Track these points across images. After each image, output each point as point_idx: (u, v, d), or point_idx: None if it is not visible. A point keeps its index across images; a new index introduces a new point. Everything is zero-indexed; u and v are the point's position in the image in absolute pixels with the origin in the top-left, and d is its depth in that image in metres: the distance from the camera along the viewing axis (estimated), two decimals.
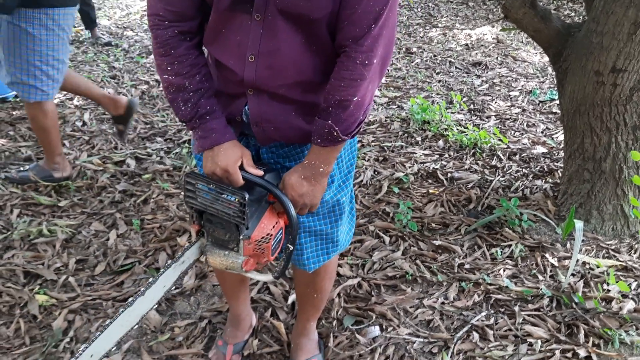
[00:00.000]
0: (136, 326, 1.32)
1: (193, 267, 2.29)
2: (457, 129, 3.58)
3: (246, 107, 1.32)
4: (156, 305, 1.35)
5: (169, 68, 1.27)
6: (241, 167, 1.28)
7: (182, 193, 2.77)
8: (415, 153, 3.30)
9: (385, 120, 3.74)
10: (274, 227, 1.33)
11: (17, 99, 3.65)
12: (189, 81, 1.27)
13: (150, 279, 1.31)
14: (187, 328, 2.02)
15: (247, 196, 1.23)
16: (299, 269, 1.61)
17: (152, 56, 4.85)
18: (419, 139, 3.49)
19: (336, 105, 1.21)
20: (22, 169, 2.82)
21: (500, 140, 3.44)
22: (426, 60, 5.04)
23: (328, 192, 1.45)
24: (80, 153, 3.15)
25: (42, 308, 2.07)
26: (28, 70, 2.53)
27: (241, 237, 1.29)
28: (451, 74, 4.74)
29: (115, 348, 1.30)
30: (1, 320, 2.01)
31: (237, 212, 1.25)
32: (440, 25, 6.19)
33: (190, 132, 1.69)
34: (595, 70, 2.43)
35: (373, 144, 3.42)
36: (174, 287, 1.39)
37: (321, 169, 1.30)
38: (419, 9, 6.86)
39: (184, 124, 1.34)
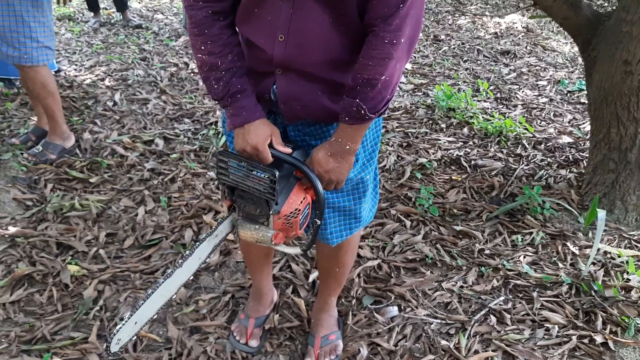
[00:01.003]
0: (174, 296, 1.39)
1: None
2: (483, 117, 3.57)
3: (274, 86, 1.36)
4: (191, 277, 1.41)
5: (202, 47, 1.31)
6: (270, 145, 1.33)
7: (209, 173, 2.84)
8: (440, 140, 3.31)
9: (411, 107, 3.75)
10: (301, 202, 1.37)
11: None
12: (222, 60, 1.31)
13: (187, 252, 1.37)
14: (211, 301, 2.09)
15: (277, 173, 1.27)
16: (322, 243, 1.65)
17: (181, 39, 4.92)
18: (443, 126, 3.50)
19: (364, 84, 1.24)
20: (36, 151, 2.90)
21: (525, 129, 3.43)
22: (454, 48, 5.01)
23: (352, 170, 1.49)
24: (110, 132, 3.24)
25: (73, 278, 2.16)
26: (45, 32, 2.64)
27: (271, 212, 1.34)
28: (479, 62, 4.71)
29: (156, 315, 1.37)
30: (35, 288, 2.11)
31: (267, 188, 1.29)
32: (469, 12, 6.13)
33: (220, 112, 1.73)
34: (624, 59, 2.41)
35: (397, 129, 3.44)
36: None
37: (348, 147, 1.33)
38: None
39: (216, 102, 1.38)
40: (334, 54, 1.29)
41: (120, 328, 1.23)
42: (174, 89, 3.93)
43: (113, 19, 5.48)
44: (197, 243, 1.38)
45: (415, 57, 4.74)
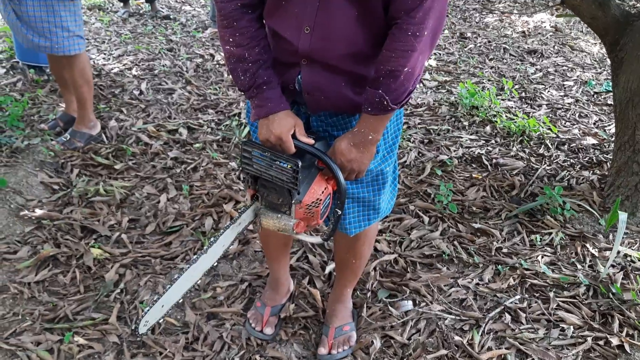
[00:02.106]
0: (199, 281, 1.43)
1: None
2: (506, 116, 3.55)
3: (299, 77, 1.38)
4: (215, 264, 1.45)
5: (230, 39, 1.34)
6: (293, 136, 1.35)
7: (230, 163, 2.88)
8: (462, 137, 3.30)
9: (434, 104, 3.74)
10: (323, 192, 1.40)
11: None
12: (249, 52, 1.34)
13: (212, 239, 1.41)
14: (229, 289, 2.13)
15: (299, 163, 1.30)
16: (340, 233, 1.67)
17: (207, 31, 4.97)
18: (466, 123, 3.48)
19: (387, 76, 1.26)
20: (64, 139, 2.97)
21: (549, 129, 3.40)
22: (480, 46, 4.98)
23: (373, 162, 1.51)
24: (136, 120, 3.30)
25: (96, 261, 2.22)
26: (75, 20, 2.69)
27: (293, 201, 1.37)
28: (505, 60, 4.67)
29: (182, 300, 1.41)
30: (59, 269, 2.17)
31: (290, 178, 1.32)
32: (497, 11, 6.07)
33: (243, 104, 1.75)
34: None
35: (419, 126, 3.43)
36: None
37: (370, 137, 1.35)
38: None
39: (242, 93, 1.41)
40: (358, 47, 1.32)
41: (148, 311, 1.28)
42: (199, 79, 3.98)
43: (142, 9, 5.55)
44: (222, 230, 1.42)
45: (440, 54, 4.72)
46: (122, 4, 5.41)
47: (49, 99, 3.48)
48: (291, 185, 1.34)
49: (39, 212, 2.43)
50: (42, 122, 3.16)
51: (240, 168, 1.41)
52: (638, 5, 5.85)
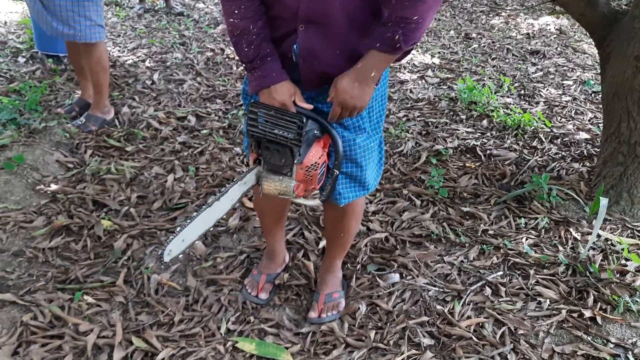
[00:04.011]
0: (211, 228, 1.54)
1: (238, 210, 2.54)
2: (504, 111, 3.67)
3: (295, 46, 1.50)
4: (223, 215, 1.56)
5: (236, 11, 1.46)
6: (293, 102, 1.49)
7: (235, 148, 3.03)
8: (458, 130, 3.43)
9: (434, 99, 3.87)
10: (320, 157, 1.52)
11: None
12: (254, 25, 1.46)
13: (223, 189, 1.52)
14: (228, 259, 2.28)
15: (304, 118, 1.42)
16: (330, 207, 1.81)
17: (219, 27, 5.14)
18: (463, 117, 3.61)
19: (398, 21, 1.37)
20: (79, 123, 3.14)
21: (544, 123, 3.51)
22: (484, 46, 5.10)
23: (359, 137, 1.63)
24: (147, 107, 3.47)
25: (106, 231, 2.37)
26: (97, 11, 2.85)
27: (295, 161, 1.47)
28: (507, 60, 4.79)
29: (199, 241, 1.51)
30: (71, 238, 2.33)
31: (295, 134, 1.43)
32: (504, 13, 6.19)
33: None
34: (635, 55, 2.49)
35: (418, 119, 3.57)
36: (236, 205, 1.59)
37: (373, 74, 1.45)
38: None
39: (245, 65, 1.52)
40: (354, 8, 1.41)
41: (170, 240, 1.41)
42: (209, 72, 4.14)
43: (157, 6, 5.74)
44: (229, 185, 1.53)
45: (444, 52, 4.84)
46: (138, 0, 5.61)
47: (65, 86, 3.66)
48: (295, 141, 1.43)
49: (54, 186, 2.60)
50: (59, 107, 3.33)
51: (246, 131, 1.50)
52: (624, 5, 5.93)
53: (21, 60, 4.00)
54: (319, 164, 1.53)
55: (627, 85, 2.57)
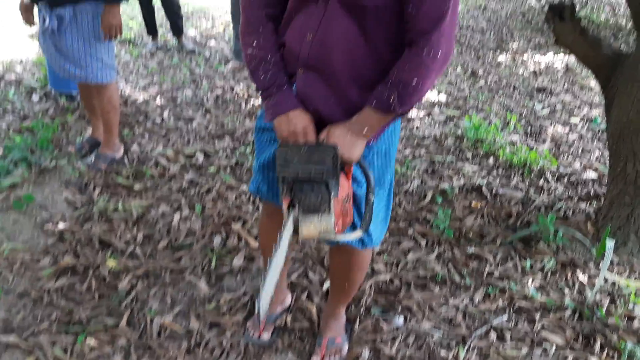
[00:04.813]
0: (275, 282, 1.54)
1: (243, 250, 2.55)
2: (510, 150, 3.68)
3: (294, 87, 1.53)
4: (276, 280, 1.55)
5: (254, 43, 1.51)
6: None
7: (242, 187, 3.05)
8: (464, 168, 3.43)
9: (440, 136, 3.89)
10: (349, 188, 1.51)
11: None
12: (271, 54, 1.51)
13: (274, 251, 1.49)
14: (231, 301, 2.27)
15: (337, 147, 1.40)
16: (336, 255, 1.83)
17: (229, 65, 5.23)
18: (470, 155, 3.62)
19: (397, 83, 1.38)
20: (89, 161, 3.19)
21: (550, 162, 3.51)
22: (490, 84, 5.13)
23: (359, 190, 1.62)
24: (157, 145, 3.52)
25: (110, 271, 2.39)
26: (109, 52, 2.92)
27: (332, 194, 1.40)
28: (513, 97, 4.81)
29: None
30: (77, 278, 2.35)
31: (331, 165, 1.39)
32: (511, 50, 6.24)
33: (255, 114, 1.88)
34: None
35: (424, 156, 3.58)
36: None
37: (365, 130, 1.44)
38: (492, 34, 6.93)
39: (261, 92, 1.54)
40: (357, 62, 1.43)
41: (259, 301, 1.52)
42: (218, 109, 4.21)
43: (169, 43, 5.87)
44: (276, 246, 1.49)
45: (450, 90, 4.88)
46: (151, 38, 5.74)
47: (77, 124, 3.73)
48: (331, 173, 1.39)
49: (61, 225, 2.63)
50: (70, 145, 3.39)
51: (278, 176, 1.45)
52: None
53: (35, 98, 4.09)
54: (350, 195, 1.51)
55: (632, 126, 2.57)
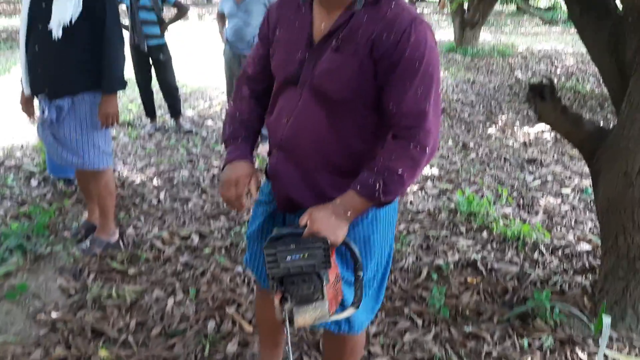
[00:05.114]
0: None
1: (237, 335, 2.52)
2: (503, 222, 3.70)
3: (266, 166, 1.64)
4: None
5: (232, 103, 1.70)
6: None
7: (237, 268, 3.05)
8: (459, 242, 3.45)
9: (434, 211, 3.93)
10: (337, 267, 1.50)
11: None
12: (240, 112, 1.66)
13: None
14: None
15: (328, 240, 1.39)
16: (328, 342, 1.84)
17: None
18: (463, 229, 3.64)
19: (382, 170, 1.41)
20: (84, 247, 3.20)
21: (543, 234, 3.53)
22: (481, 156, 5.23)
23: (346, 273, 1.62)
24: (152, 227, 3.54)
25: None
26: (105, 139, 3.00)
27: (324, 283, 1.40)
28: (505, 169, 4.89)
29: None
30: None
31: (322, 257, 1.38)
32: (500, 122, 6.40)
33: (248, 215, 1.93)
34: (624, 171, 2.55)
35: (419, 232, 3.60)
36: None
37: (348, 214, 1.43)
38: (481, 107, 7.13)
39: (224, 144, 1.69)
40: (325, 150, 1.50)
41: None
42: (214, 188, 4.26)
43: (167, 124, 6.02)
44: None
45: (442, 163, 4.97)
46: (149, 120, 5.89)
47: (74, 208, 3.77)
48: (323, 265, 1.38)
49: (54, 315, 2.61)
50: (66, 230, 3.42)
51: (267, 274, 1.43)
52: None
53: (34, 183, 4.16)
54: (338, 274, 1.50)
55: (619, 199, 2.61)
